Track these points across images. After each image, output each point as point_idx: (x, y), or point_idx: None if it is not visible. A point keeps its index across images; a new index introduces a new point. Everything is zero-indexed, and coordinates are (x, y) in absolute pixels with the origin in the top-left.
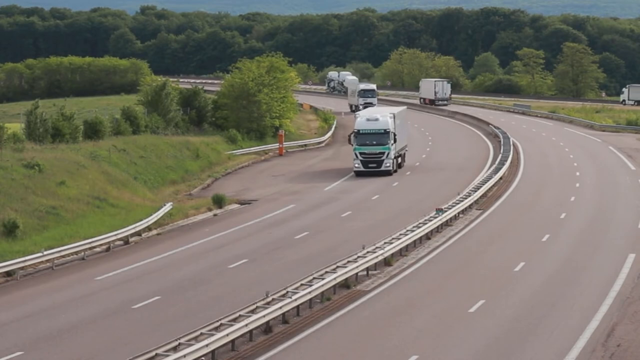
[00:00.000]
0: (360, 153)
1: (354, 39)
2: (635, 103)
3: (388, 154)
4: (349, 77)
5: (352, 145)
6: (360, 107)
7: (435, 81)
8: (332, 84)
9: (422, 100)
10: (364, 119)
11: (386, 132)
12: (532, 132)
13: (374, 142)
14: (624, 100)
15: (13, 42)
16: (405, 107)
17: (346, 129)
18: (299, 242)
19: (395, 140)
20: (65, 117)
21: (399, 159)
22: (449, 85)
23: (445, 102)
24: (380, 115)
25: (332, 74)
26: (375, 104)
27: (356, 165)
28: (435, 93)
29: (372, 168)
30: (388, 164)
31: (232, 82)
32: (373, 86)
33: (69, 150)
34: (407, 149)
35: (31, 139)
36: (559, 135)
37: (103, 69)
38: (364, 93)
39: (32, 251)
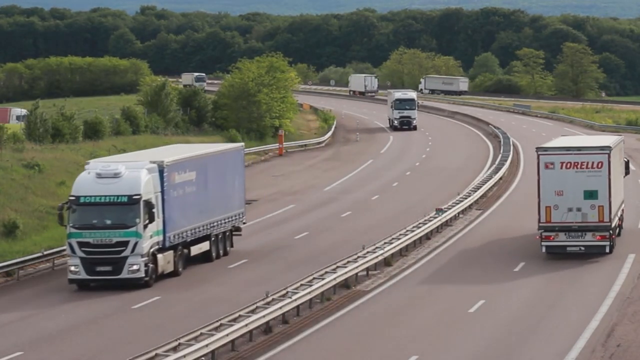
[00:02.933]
0: (80, 243)
1: (354, 39)
2: (430, 92)
3: (136, 245)
4: None
5: (66, 226)
6: (395, 122)
7: (364, 76)
8: None
9: (352, 92)
10: (91, 176)
11: (133, 202)
12: (532, 132)
13: (107, 222)
14: (421, 90)
15: (13, 42)
16: (240, 144)
17: (347, 130)
18: (299, 242)
19: (152, 219)
20: (65, 117)
21: (198, 248)
22: (376, 79)
23: (373, 94)
24: (125, 168)
25: None
26: (414, 119)
27: (73, 268)
28: (365, 86)
29: (103, 274)
30: (136, 266)
31: (232, 82)
32: (412, 95)
33: (69, 151)
34: (241, 219)
35: (31, 139)
36: (559, 135)
37: (103, 69)
38: (399, 104)
39: (32, 251)
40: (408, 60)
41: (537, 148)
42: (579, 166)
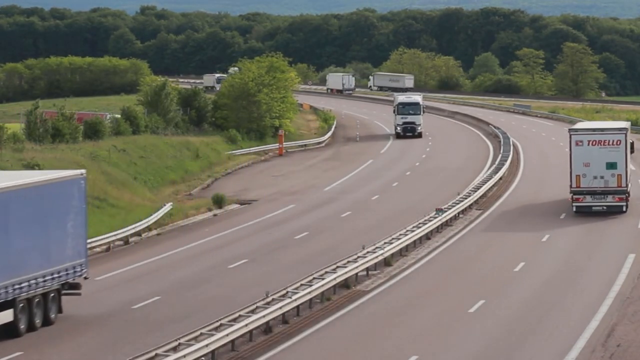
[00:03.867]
0: None
1: (354, 39)
2: (379, 88)
3: None
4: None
5: None
6: (398, 128)
7: (342, 75)
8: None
9: (329, 90)
10: None
11: None
12: (532, 132)
13: None
14: (370, 87)
15: (13, 42)
16: (78, 172)
17: (346, 130)
18: (299, 242)
19: None
20: (65, 117)
21: None
22: (353, 78)
23: (350, 92)
24: None
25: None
26: (419, 125)
27: None
28: (343, 84)
29: None
30: None
31: (232, 82)
32: (417, 98)
33: (69, 151)
34: (80, 273)
35: (31, 139)
36: (559, 135)
37: (103, 69)
38: (402, 108)
39: None
40: (408, 60)
41: (569, 129)
42: (602, 143)
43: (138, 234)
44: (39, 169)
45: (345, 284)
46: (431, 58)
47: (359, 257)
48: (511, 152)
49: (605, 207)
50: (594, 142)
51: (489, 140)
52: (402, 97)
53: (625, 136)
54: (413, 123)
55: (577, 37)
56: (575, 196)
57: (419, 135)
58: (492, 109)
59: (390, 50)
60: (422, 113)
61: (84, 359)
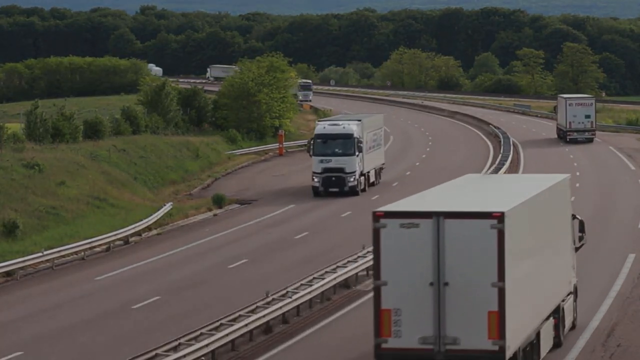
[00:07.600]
0: None
1: (354, 39)
2: (215, 79)
3: None
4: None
5: None
6: (316, 179)
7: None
8: None
9: (210, 78)
10: None
11: None
12: (532, 132)
13: None
14: (208, 77)
15: (13, 42)
16: None
17: None
18: (299, 242)
19: None
20: (65, 117)
21: None
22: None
23: None
24: None
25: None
26: (352, 173)
27: None
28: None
29: None
30: None
31: (232, 82)
32: (350, 127)
33: (69, 150)
34: None
35: (31, 139)
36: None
37: (103, 69)
38: (322, 145)
39: (32, 251)
40: (408, 60)
41: (565, 98)
42: (582, 105)
43: (138, 233)
44: (39, 169)
45: (345, 284)
46: (431, 58)
47: (359, 256)
48: (511, 152)
49: (584, 139)
50: (578, 104)
51: (489, 140)
52: (322, 125)
53: (595, 100)
54: (340, 171)
55: (577, 37)
56: (568, 132)
57: (352, 191)
58: (492, 108)
59: (390, 50)
60: (357, 152)
61: (84, 359)
